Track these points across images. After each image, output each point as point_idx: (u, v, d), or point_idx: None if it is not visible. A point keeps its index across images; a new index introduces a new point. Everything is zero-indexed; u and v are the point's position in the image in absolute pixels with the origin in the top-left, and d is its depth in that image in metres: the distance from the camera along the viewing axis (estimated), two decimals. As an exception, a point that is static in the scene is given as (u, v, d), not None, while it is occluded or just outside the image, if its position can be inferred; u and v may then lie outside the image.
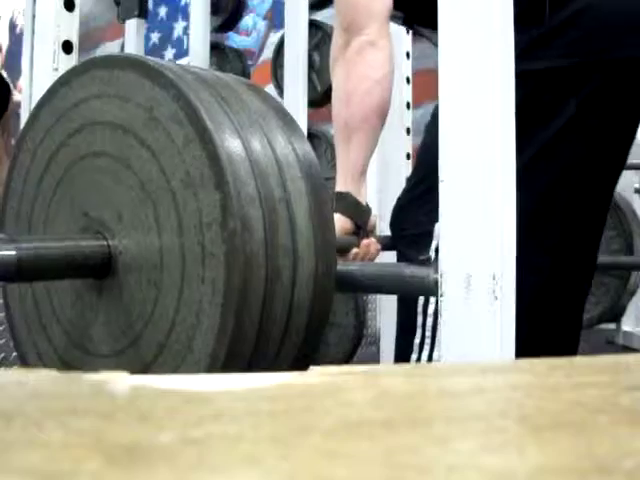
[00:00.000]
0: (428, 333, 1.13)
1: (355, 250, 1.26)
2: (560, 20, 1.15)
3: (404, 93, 2.20)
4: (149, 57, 0.75)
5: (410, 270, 0.93)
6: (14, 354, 2.04)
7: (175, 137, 0.68)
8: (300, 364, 0.72)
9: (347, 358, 2.42)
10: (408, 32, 2.29)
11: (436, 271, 0.82)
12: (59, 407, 0.25)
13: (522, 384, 0.30)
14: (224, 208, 0.64)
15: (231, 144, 0.67)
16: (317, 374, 0.30)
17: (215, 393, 0.27)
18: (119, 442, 0.21)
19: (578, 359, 0.33)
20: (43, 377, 0.30)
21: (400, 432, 0.22)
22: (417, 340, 1.15)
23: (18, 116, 3.88)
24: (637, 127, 1.31)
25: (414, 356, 1.14)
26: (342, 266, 1.02)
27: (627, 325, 3.76)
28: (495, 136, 0.77)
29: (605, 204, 1.36)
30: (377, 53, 1.21)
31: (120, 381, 0.28)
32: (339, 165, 1.24)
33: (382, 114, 1.23)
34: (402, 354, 1.27)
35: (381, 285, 0.99)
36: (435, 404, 0.27)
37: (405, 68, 2.26)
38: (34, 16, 1.33)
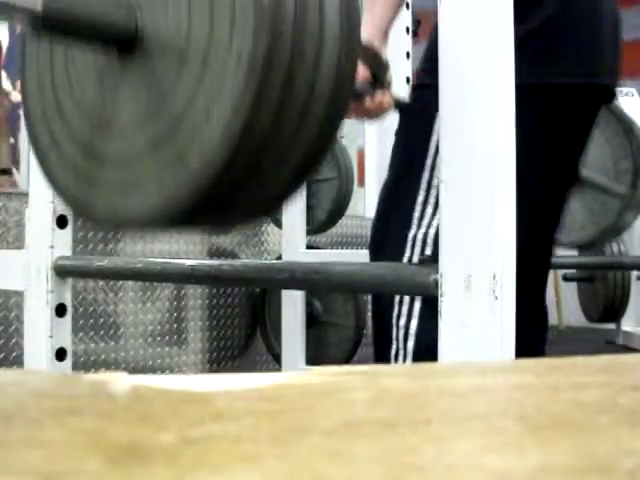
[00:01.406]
0: (401, 345, 1.15)
1: (369, 100, 1.27)
2: (528, 29, 1.15)
3: (404, 93, 2.19)
4: None
5: (410, 270, 0.93)
6: (14, 354, 2.04)
7: None
8: (316, 153, 0.73)
9: (347, 358, 2.42)
10: (408, 32, 2.30)
11: (436, 271, 0.82)
12: (59, 407, 0.25)
13: (522, 384, 0.30)
14: None
15: None
16: (317, 374, 0.30)
17: (215, 393, 0.27)
18: (119, 442, 0.21)
19: (578, 359, 0.33)
20: (43, 377, 0.30)
21: (400, 432, 0.22)
22: (392, 352, 1.17)
23: (18, 116, 3.88)
24: (578, 160, 1.33)
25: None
26: (342, 267, 1.02)
27: (627, 325, 3.76)
28: (495, 136, 0.77)
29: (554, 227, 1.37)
30: None
31: (120, 381, 0.28)
32: (365, 19, 1.27)
33: None
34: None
35: (381, 285, 0.99)
36: (435, 404, 0.27)
37: (405, 68, 2.26)
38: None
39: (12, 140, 3.24)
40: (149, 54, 0.74)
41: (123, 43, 0.75)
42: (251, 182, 0.70)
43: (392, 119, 1.35)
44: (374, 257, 1.29)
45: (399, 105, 1.34)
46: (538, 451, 0.20)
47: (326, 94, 0.70)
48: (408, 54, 2.32)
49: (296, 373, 0.30)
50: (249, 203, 0.74)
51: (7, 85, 3.65)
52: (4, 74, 3.33)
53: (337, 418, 0.24)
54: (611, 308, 3.58)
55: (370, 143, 3.03)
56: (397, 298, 1.14)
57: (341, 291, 2.18)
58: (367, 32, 1.26)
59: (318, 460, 0.19)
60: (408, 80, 2.28)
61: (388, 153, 1.32)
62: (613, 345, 3.69)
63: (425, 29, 2.23)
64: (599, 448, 0.21)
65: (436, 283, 0.81)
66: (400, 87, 2.12)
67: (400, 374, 0.33)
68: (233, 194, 0.71)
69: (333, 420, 0.23)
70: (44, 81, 0.85)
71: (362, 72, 1.25)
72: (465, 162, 0.79)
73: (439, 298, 0.81)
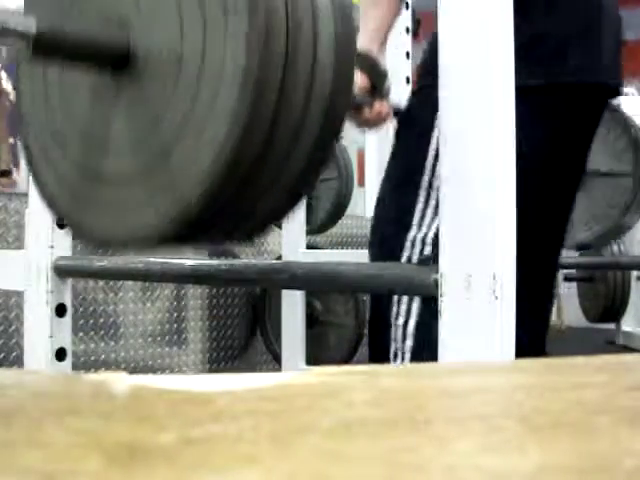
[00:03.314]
0: (399, 344, 1.14)
1: (367, 111, 1.26)
2: (536, 31, 1.13)
3: (404, 93, 2.20)
4: None
5: (410, 270, 0.93)
6: (14, 354, 2.04)
7: None
8: (311, 169, 0.72)
9: (347, 358, 2.42)
10: (408, 32, 2.29)
11: (436, 271, 0.82)
12: (59, 407, 0.25)
13: (522, 384, 0.30)
14: None
15: None
16: (317, 374, 0.30)
17: (215, 393, 0.27)
18: (119, 442, 0.21)
19: (578, 359, 0.33)
20: (43, 377, 0.30)
21: (400, 432, 0.22)
22: (392, 352, 1.16)
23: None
24: (587, 156, 1.32)
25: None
26: (342, 267, 1.02)
27: (627, 325, 3.76)
28: (495, 136, 0.77)
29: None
30: None
31: (120, 381, 0.28)
32: (362, 27, 1.27)
33: None
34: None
35: (381, 285, 0.99)
36: (435, 404, 0.27)
37: (405, 68, 2.26)
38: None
39: (11, 140, 3.24)
40: (142, 72, 0.74)
41: (116, 62, 0.74)
42: (245, 203, 0.70)
43: (392, 120, 1.34)
44: (373, 258, 1.28)
45: (397, 113, 1.34)
46: (538, 451, 0.20)
47: (322, 109, 0.69)
48: (408, 54, 2.32)
49: (296, 373, 0.30)
50: (243, 222, 0.74)
51: (7, 85, 3.65)
52: (4, 74, 3.33)
53: (337, 418, 0.24)
54: (611, 308, 3.58)
55: (370, 143, 3.03)
56: (395, 297, 1.14)
57: (341, 291, 2.18)
58: (365, 39, 1.25)
59: (318, 460, 0.19)
60: (408, 80, 2.28)
61: (388, 153, 1.31)
62: (613, 345, 3.69)
63: (425, 29, 2.23)
64: (599, 448, 0.21)
65: (436, 283, 0.81)
66: (400, 87, 2.12)
67: (400, 374, 0.33)
68: (227, 215, 0.71)
69: (333, 420, 0.23)
70: (39, 101, 0.85)
71: (360, 81, 1.24)
72: (465, 162, 0.79)
73: (439, 298, 0.80)
